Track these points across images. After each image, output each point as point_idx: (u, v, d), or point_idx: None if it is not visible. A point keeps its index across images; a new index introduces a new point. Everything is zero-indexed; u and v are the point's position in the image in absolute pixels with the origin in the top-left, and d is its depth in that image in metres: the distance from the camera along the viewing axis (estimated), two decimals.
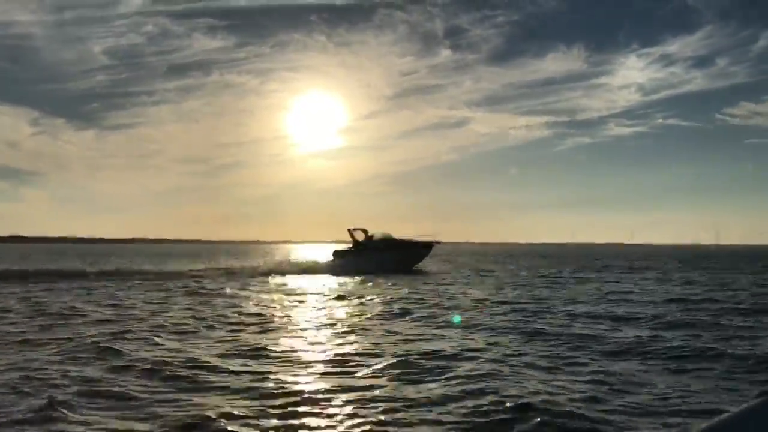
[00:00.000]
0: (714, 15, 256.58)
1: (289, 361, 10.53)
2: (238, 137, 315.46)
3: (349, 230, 42.93)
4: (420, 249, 43.31)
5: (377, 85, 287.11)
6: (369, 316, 17.02)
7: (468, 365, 9.99)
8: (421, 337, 13.09)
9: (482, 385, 8.62)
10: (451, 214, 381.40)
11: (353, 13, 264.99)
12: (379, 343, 12.23)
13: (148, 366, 9.85)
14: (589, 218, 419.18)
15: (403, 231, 43.68)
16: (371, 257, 40.21)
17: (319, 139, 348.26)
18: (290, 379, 9.12)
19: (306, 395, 8.14)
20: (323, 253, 45.54)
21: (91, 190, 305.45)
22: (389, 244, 41.75)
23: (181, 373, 9.38)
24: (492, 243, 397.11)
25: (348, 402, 7.85)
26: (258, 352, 11.25)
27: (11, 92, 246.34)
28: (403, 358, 10.44)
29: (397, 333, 13.71)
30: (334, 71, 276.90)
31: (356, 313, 17.66)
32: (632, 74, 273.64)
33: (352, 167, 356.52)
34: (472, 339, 12.86)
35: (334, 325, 15.19)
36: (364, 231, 42.53)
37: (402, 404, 7.71)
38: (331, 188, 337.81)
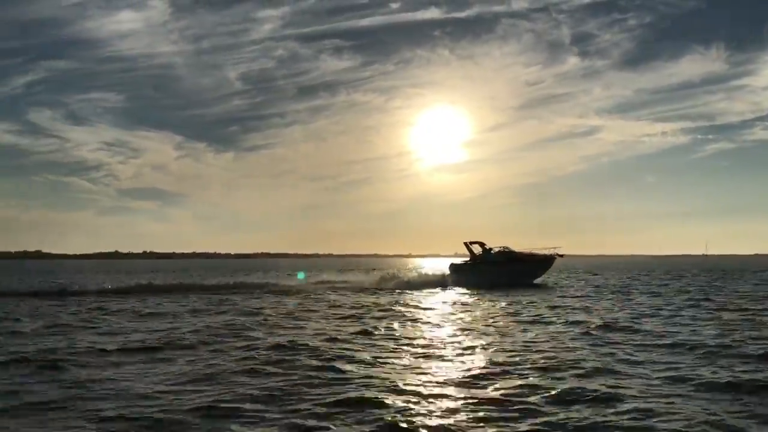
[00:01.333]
0: None
1: None
2: (364, 154, 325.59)
3: (465, 244, 43.05)
4: (540, 263, 42.50)
5: (502, 96, 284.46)
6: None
7: None
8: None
9: None
10: (579, 226, 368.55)
11: (476, 25, 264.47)
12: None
13: None
14: (731, 228, 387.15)
15: (529, 244, 43.43)
16: (488, 271, 40.13)
17: (443, 153, 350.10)
18: None
19: None
20: (442, 267, 46.12)
21: (229, 208, 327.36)
22: (507, 257, 41.42)
23: None
24: (621, 255, 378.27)
25: None
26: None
27: (157, 119, 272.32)
28: None
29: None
30: (458, 84, 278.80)
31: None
32: None
33: (477, 180, 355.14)
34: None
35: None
36: (482, 244, 42.48)
37: None
38: (455, 202, 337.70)
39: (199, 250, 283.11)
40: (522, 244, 42.88)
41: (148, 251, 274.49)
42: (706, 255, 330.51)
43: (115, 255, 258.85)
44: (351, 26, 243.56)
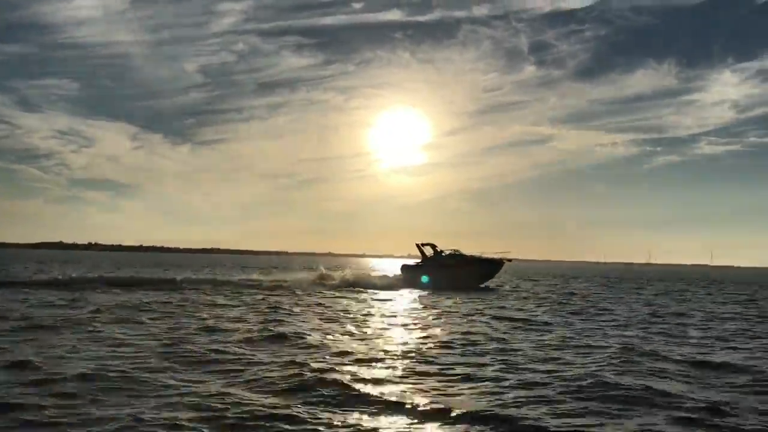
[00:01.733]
0: None
1: None
2: (321, 153, 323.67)
3: (417, 245, 43.34)
4: (489, 266, 43.08)
5: (460, 101, 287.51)
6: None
7: None
8: None
9: None
10: (531, 231, 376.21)
11: (437, 30, 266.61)
12: None
13: None
14: (671, 238, 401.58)
15: (482, 247, 44.12)
16: (439, 273, 40.53)
17: (401, 155, 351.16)
18: None
19: None
20: (393, 268, 46.35)
21: (183, 201, 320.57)
22: (458, 260, 41.93)
23: None
24: (571, 261, 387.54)
25: None
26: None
27: (112, 108, 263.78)
28: None
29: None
30: (418, 88, 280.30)
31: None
32: (726, 90, 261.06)
33: (434, 183, 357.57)
34: None
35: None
36: (433, 246, 42.82)
37: None
38: (412, 204, 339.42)
39: (147, 243, 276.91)
40: (476, 247, 43.67)
41: (93, 242, 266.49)
42: (649, 263, 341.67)
43: (59, 245, 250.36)
44: (313, 24, 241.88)
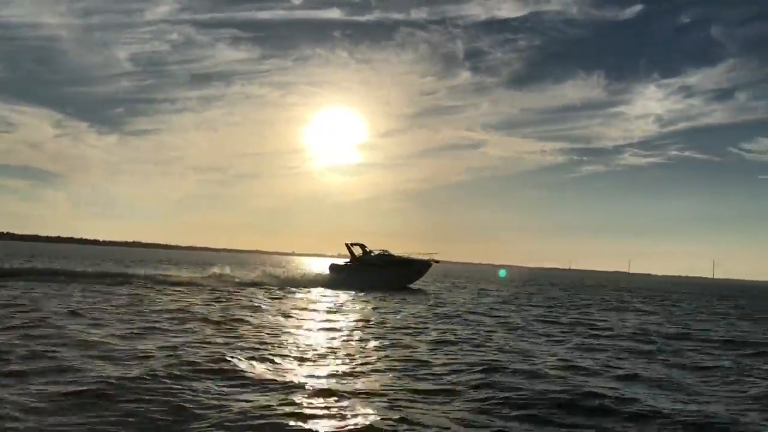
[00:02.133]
0: (737, 49, 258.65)
1: None
2: (256, 148, 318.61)
3: (347, 245, 43.33)
4: (417, 267, 43.59)
5: (397, 103, 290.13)
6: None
7: None
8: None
9: None
10: (461, 234, 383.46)
11: (375, 31, 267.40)
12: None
13: None
14: (593, 244, 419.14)
15: (414, 249, 44.42)
16: (367, 273, 40.64)
17: (337, 154, 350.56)
18: None
19: None
20: (323, 267, 45.80)
21: (110, 193, 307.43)
22: (386, 260, 42.19)
23: None
24: (499, 265, 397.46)
25: None
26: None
27: (36, 93, 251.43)
28: None
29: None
30: (355, 87, 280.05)
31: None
32: (651, 104, 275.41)
33: (368, 183, 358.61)
34: None
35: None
36: (362, 246, 42.96)
37: None
38: (345, 203, 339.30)
39: (65, 234, 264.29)
40: (408, 248, 43.96)
41: (6, 232, 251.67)
42: (570, 269, 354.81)
43: None
44: (250, 17, 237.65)
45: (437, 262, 45.20)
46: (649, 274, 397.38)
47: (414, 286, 43.94)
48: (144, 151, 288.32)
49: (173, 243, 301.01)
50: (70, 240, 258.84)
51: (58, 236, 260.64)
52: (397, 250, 43.45)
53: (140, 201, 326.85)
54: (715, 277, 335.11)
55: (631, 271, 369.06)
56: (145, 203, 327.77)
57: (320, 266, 50.70)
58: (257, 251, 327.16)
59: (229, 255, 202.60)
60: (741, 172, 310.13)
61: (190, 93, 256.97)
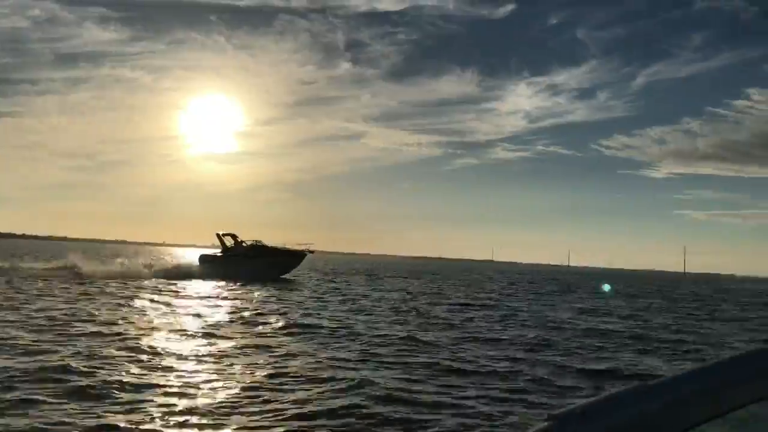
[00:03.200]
0: (599, 50, 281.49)
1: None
2: (127, 134, 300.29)
3: (217, 235, 42.48)
4: (290, 258, 43.45)
5: (276, 91, 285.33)
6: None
7: None
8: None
9: None
10: (341, 224, 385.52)
11: (254, 17, 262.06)
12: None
13: None
14: (469, 234, 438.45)
15: (294, 239, 44.05)
16: (239, 264, 39.98)
17: (214, 142, 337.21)
18: None
19: None
20: (195, 258, 44.25)
21: None
22: (259, 251, 41.77)
23: None
24: (376, 255, 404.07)
25: None
26: None
27: None
28: None
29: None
30: (233, 74, 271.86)
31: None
32: (521, 101, 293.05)
33: (248, 173, 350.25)
34: None
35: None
36: (234, 236, 42.29)
37: None
38: (222, 192, 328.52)
39: None
40: (287, 239, 43.75)
41: None
42: (441, 258, 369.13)
43: None
44: None
45: (312, 252, 45.27)
46: (515, 262, 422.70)
47: (288, 276, 43.81)
48: (2, 134, 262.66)
49: (31, 233, 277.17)
50: None
51: None
52: (276, 240, 43.31)
53: None
54: (570, 264, 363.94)
55: (497, 260, 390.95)
56: (4, 191, 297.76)
57: (192, 257, 48.99)
58: (124, 241, 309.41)
59: (92, 245, 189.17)
60: (600, 167, 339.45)
61: (54, 74, 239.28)
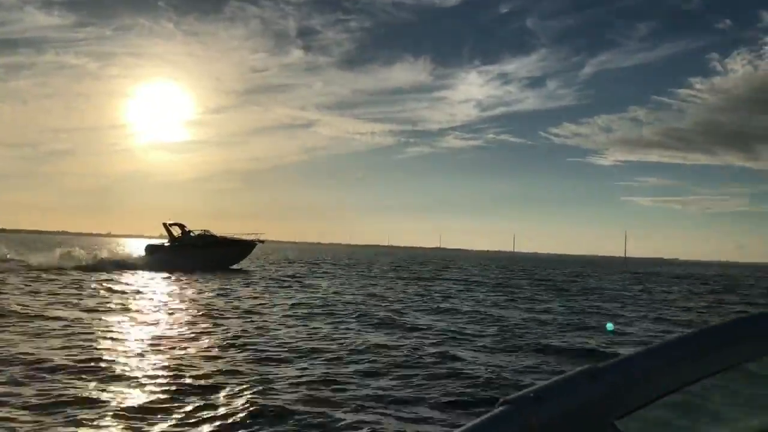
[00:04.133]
0: (549, 39, 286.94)
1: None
2: (72, 123, 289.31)
3: (164, 224, 42.08)
4: (239, 248, 43.43)
5: (227, 79, 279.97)
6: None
7: None
8: None
9: None
10: (293, 213, 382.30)
11: (204, 3, 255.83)
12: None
13: None
14: (412, 222, 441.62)
15: (243, 229, 44.02)
16: (187, 254, 39.73)
17: (162, 130, 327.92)
18: None
19: None
20: (141, 248, 43.56)
21: None
22: (207, 241, 41.65)
23: None
24: (327, 243, 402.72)
25: None
26: None
27: None
28: None
29: None
30: (182, 61, 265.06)
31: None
32: (472, 90, 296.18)
33: (198, 162, 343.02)
34: None
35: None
36: (181, 226, 42.03)
37: None
38: (172, 182, 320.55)
39: None
40: (238, 228, 43.56)
41: None
42: (392, 245, 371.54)
43: None
44: None
45: (262, 242, 45.34)
46: (463, 249, 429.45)
47: (237, 266, 43.77)
48: None
49: None
50: None
51: None
52: (227, 230, 43.41)
53: None
54: (516, 250, 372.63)
55: (444, 246, 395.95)
56: None
57: (138, 247, 48.29)
58: (66, 232, 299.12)
59: (32, 237, 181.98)
60: (549, 154, 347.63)
61: None
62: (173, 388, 8.53)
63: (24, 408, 7.37)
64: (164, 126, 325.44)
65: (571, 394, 0.92)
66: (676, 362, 0.99)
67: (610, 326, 17.38)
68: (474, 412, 7.73)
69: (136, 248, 49.61)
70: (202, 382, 8.93)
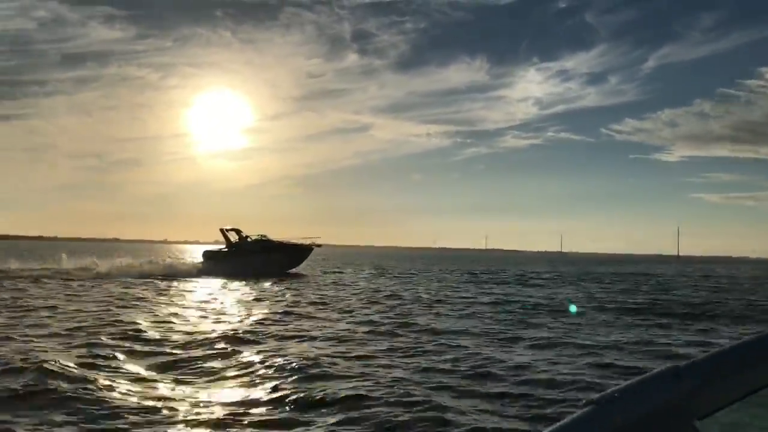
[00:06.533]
0: (609, 34, 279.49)
1: None
2: (135, 133, 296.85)
3: (221, 230, 41.87)
4: (297, 252, 42.91)
5: (283, 85, 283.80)
6: None
7: None
8: None
9: None
10: (349, 218, 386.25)
11: (259, 10, 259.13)
12: None
13: None
14: (463, 224, 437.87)
15: (299, 234, 43.75)
16: (244, 259, 39.46)
17: (221, 138, 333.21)
18: None
19: None
20: (199, 254, 43.49)
21: None
22: (264, 246, 41.32)
23: None
24: (383, 246, 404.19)
25: None
26: None
27: None
28: None
29: None
30: (239, 69, 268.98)
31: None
32: (531, 88, 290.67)
33: (257, 168, 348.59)
34: None
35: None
36: (238, 231, 41.82)
37: None
38: (232, 189, 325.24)
39: None
40: (295, 233, 43.20)
41: None
42: (435, 247, 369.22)
43: None
44: None
45: (319, 246, 44.71)
46: (514, 250, 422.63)
47: (295, 271, 43.26)
48: (11, 137, 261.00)
49: (45, 234, 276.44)
50: None
51: None
52: (284, 235, 42.95)
53: (10, 191, 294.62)
54: (571, 250, 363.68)
55: (492, 248, 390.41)
56: (11, 194, 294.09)
57: (196, 254, 48.46)
58: (116, 239, 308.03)
59: (102, 245, 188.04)
60: (612, 152, 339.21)
61: (61, 75, 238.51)
62: None
63: None
64: (223, 134, 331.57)
65: (654, 393, 0.92)
66: (757, 362, 0.96)
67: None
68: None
69: (193, 254, 49.81)
70: None
